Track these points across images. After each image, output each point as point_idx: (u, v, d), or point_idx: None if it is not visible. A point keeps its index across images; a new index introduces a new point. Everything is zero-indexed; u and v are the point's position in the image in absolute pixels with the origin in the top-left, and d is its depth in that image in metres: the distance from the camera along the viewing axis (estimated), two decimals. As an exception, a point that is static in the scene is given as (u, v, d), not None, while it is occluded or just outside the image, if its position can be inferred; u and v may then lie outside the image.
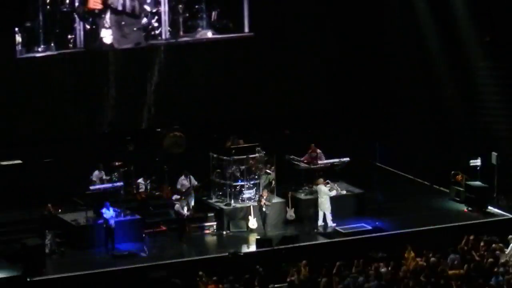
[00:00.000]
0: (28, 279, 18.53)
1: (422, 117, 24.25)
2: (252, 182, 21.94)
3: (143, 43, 23.06)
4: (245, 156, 21.85)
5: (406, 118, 24.60)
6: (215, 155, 22.15)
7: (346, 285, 17.39)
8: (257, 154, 22.08)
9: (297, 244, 20.65)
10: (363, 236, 21.05)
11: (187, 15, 23.40)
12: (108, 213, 20.25)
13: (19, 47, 21.87)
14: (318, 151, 22.39)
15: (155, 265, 19.45)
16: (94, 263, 19.67)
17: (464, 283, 17.38)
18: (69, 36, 22.42)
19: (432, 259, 18.35)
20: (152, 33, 23.40)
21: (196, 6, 23.45)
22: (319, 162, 22.30)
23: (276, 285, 18.06)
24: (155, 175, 22.10)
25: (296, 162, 22.61)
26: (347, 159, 22.43)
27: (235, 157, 21.85)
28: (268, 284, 18.08)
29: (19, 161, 21.63)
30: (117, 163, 21.58)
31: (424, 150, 23.70)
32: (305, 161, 22.53)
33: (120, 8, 22.66)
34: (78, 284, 18.71)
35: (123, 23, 22.88)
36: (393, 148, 23.65)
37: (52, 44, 22.22)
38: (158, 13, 23.38)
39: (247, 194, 21.82)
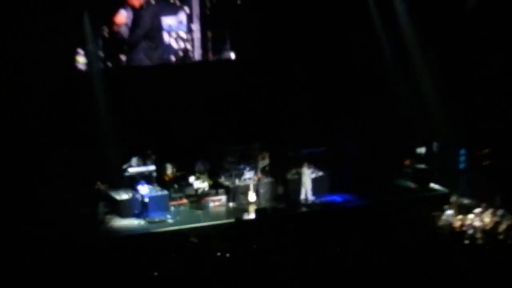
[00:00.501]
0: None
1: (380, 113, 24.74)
2: (251, 166, 23.64)
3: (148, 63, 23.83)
4: (245, 146, 23.81)
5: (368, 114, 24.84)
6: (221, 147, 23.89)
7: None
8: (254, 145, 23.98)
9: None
10: (335, 207, 22.92)
11: (215, 40, 24.47)
12: (143, 189, 22.03)
13: (81, 66, 23.09)
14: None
15: (179, 229, 21.08)
16: (133, 228, 21.45)
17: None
18: (121, 56, 23.58)
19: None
20: (187, 54, 24.43)
21: (221, 32, 24.50)
22: (303, 151, 24.04)
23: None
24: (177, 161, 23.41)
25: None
26: (323, 148, 24.36)
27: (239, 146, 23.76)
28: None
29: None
30: (149, 151, 22.95)
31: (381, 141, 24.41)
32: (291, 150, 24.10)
33: (123, 36, 23.57)
34: (122, 243, 20.14)
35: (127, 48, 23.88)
36: (359, 139, 24.85)
37: (109, 63, 23.35)
38: (192, 39, 24.29)
39: (247, 175, 23.54)
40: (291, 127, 24.64)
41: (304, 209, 23.03)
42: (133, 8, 23.15)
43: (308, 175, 23.42)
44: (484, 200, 20.97)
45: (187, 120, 23.78)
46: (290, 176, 23.97)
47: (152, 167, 22.92)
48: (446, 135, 24.49)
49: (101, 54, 23.29)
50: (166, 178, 23.28)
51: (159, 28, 23.69)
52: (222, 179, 23.93)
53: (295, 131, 24.49)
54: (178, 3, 24.03)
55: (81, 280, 16.97)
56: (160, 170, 23.34)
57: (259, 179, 23.51)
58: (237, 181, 23.59)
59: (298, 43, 24.38)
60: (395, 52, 24.68)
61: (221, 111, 24.12)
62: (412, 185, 24.42)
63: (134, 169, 22.72)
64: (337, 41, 24.81)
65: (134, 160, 22.80)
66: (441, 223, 20.14)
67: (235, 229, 20.61)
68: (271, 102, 24.49)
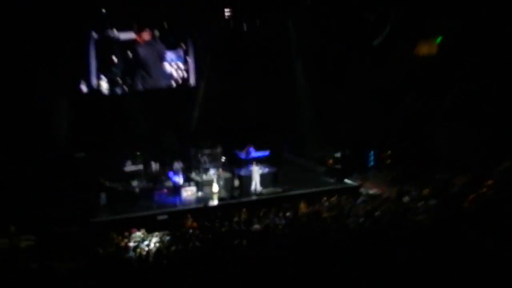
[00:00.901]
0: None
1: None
2: (214, 164, 26.54)
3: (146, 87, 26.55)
4: (210, 150, 26.88)
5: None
6: (194, 149, 26.89)
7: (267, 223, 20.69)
8: (217, 149, 26.96)
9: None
10: (277, 195, 25.44)
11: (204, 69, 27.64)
12: (134, 182, 25.41)
13: (103, 89, 26.19)
14: (251, 147, 27.04)
15: (161, 211, 23.74)
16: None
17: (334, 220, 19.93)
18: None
19: (315, 207, 22.63)
20: (184, 80, 27.90)
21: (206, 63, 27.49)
22: (252, 154, 26.85)
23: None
24: (160, 160, 26.53)
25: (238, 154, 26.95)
26: (267, 152, 27.14)
27: (206, 150, 26.72)
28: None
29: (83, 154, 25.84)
30: (138, 153, 26.16)
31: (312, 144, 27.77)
32: (244, 153, 26.88)
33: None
34: (121, 221, 22.49)
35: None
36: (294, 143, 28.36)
37: (125, 87, 26.34)
38: (187, 69, 27.71)
39: (212, 171, 26.37)
40: (246, 137, 27.87)
41: (254, 197, 25.58)
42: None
43: (257, 172, 26.02)
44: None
45: (171, 129, 27.37)
46: (243, 172, 26.59)
47: (140, 166, 26.31)
48: (359, 141, 27.78)
49: (119, 80, 26.86)
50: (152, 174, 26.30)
51: (151, 62, 27.48)
52: (193, 175, 26.65)
53: (248, 140, 27.60)
54: (177, 42, 28.03)
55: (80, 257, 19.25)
56: (147, 168, 26.60)
57: (220, 175, 26.25)
58: (204, 176, 26.27)
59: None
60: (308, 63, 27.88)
61: (199, 123, 28.07)
62: (331, 180, 27.37)
63: (128, 167, 26.17)
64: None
65: (128, 161, 26.23)
66: (353, 208, 22.13)
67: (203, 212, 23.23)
68: (233, 118, 28.29)
